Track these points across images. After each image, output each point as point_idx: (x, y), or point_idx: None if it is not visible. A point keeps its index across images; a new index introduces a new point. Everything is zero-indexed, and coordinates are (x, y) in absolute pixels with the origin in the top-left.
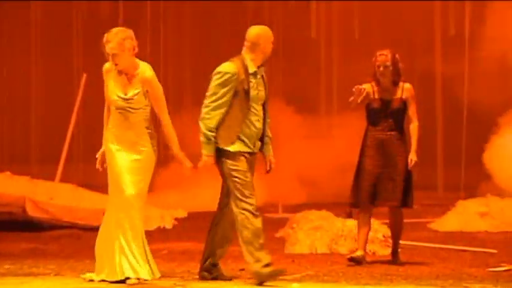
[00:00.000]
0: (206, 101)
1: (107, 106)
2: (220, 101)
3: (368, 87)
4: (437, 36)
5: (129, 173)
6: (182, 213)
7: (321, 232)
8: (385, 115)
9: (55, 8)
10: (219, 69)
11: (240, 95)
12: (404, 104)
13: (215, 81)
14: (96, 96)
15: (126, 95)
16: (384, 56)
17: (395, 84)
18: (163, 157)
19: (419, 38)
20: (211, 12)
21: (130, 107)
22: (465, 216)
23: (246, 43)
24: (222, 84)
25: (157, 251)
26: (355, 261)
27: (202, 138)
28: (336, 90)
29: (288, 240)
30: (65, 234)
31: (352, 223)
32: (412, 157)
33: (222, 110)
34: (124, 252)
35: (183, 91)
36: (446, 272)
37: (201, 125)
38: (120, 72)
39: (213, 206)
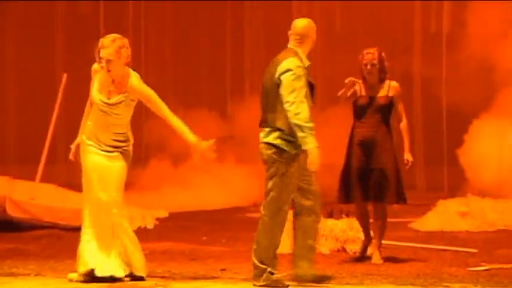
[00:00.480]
0: (289, 99)
1: (90, 101)
2: (301, 95)
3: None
4: (417, 36)
5: (104, 174)
6: (163, 213)
7: None
8: (372, 112)
9: (35, 7)
10: (287, 66)
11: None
12: (390, 101)
13: (289, 78)
14: (77, 95)
15: (109, 99)
16: (370, 55)
17: (381, 81)
18: (145, 158)
19: (399, 37)
20: (192, 12)
21: (112, 112)
22: (446, 216)
23: (295, 37)
24: (297, 79)
25: None
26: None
27: (305, 133)
28: (319, 87)
29: None
30: (46, 234)
31: (333, 223)
32: (408, 157)
33: (306, 103)
34: (116, 250)
35: (165, 91)
36: (427, 272)
37: (297, 121)
38: (107, 77)
39: (194, 206)
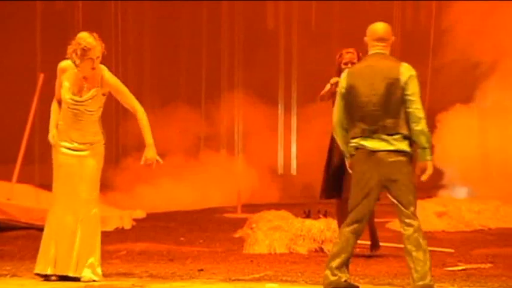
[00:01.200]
0: (420, 105)
1: (56, 101)
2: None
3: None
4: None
5: (79, 174)
6: (141, 214)
7: (279, 232)
8: None
9: (13, 5)
10: (410, 71)
11: None
12: None
13: (416, 83)
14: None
15: (81, 97)
16: (350, 54)
17: None
18: (122, 158)
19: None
20: (171, 9)
21: (85, 109)
22: (423, 216)
23: (387, 42)
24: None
25: (116, 252)
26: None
27: (428, 143)
28: (296, 83)
29: (247, 240)
30: (22, 235)
31: (310, 223)
32: None
33: None
34: (85, 251)
35: (143, 90)
36: (404, 271)
37: (426, 129)
38: (77, 74)
39: (171, 206)
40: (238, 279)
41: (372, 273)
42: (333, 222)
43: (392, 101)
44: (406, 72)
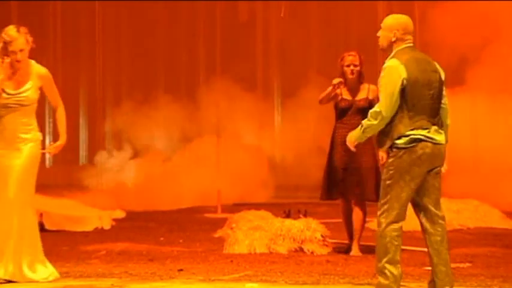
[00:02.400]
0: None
1: None
2: None
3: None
4: (371, 36)
5: (14, 174)
6: (120, 214)
7: (259, 232)
8: (353, 114)
9: None
10: (440, 66)
11: None
12: (370, 103)
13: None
14: None
15: (16, 90)
16: (352, 56)
17: (360, 83)
18: (98, 158)
19: (354, 37)
20: (149, 5)
21: (19, 104)
22: None
23: (411, 36)
24: None
25: (96, 252)
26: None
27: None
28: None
29: (227, 240)
30: None
31: (290, 223)
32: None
33: None
34: (21, 253)
35: (121, 89)
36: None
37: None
38: (11, 68)
39: (151, 206)
40: (218, 279)
41: (351, 272)
42: (313, 222)
43: (440, 96)
44: (441, 69)
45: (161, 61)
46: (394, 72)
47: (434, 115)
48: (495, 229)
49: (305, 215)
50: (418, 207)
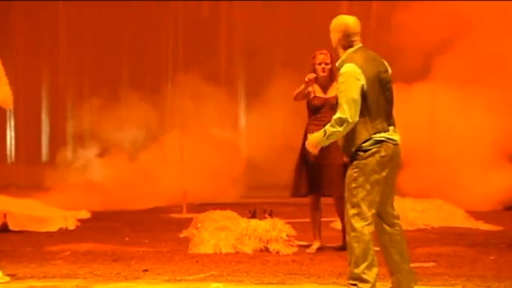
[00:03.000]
0: None
1: None
2: None
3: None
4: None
5: None
6: (85, 214)
7: (225, 232)
8: (325, 111)
9: None
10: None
11: None
12: None
13: None
14: None
15: None
16: (324, 55)
17: (332, 81)
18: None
19: (321, 37)
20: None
21: None
22: None
23: (357, 35)
24: None
25: (60, 252)
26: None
27: None
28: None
29: (192, 240)
30: None
31: (256, 223)
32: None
33: None
34: None
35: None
36: (348, 271)
37: None
38: None
39: (116, 206)
40: (184, 280)
41: (316, 272)
42: (279, 222)
43: (392, 96)
44: (389, 66)
45: (126, 58)
46: (352, 77)
47: (390, 116)
48: (459, 228)
49: (271, 215)
50: (378, 209)
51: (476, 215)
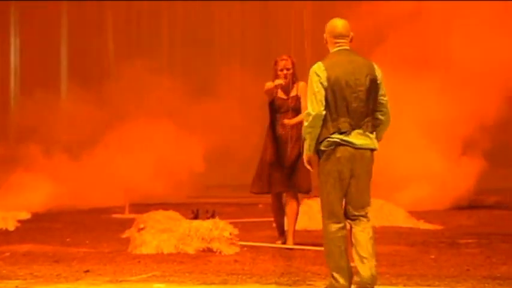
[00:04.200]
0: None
1: None
2: None
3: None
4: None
5: None
6: (25, 215)
7: (168, 234)
8: (286, 111)
9: None
10: (381, 72)
11: None
12: (298, 99)
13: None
14: None
15: None
16: (285, 61)
17: (294, 83)
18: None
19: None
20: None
21: None
22: (310, 214)
23: (348, 38)
24: None
25: None
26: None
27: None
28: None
29: (134, 241)
30: None
31: (198, 223)
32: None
33: None
34: None
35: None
36: (291, 270)
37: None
38: None
39: (57, 207)
40: (126, 280)
41: (258, 272)
42: (221, 222)
43: (372, 99)
44: (379, 71)
45: (67, 52)
46: (313, 74)
47: (360, 118)
48: (400, 228)
49: (213, 216)
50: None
51: (417, 214)
